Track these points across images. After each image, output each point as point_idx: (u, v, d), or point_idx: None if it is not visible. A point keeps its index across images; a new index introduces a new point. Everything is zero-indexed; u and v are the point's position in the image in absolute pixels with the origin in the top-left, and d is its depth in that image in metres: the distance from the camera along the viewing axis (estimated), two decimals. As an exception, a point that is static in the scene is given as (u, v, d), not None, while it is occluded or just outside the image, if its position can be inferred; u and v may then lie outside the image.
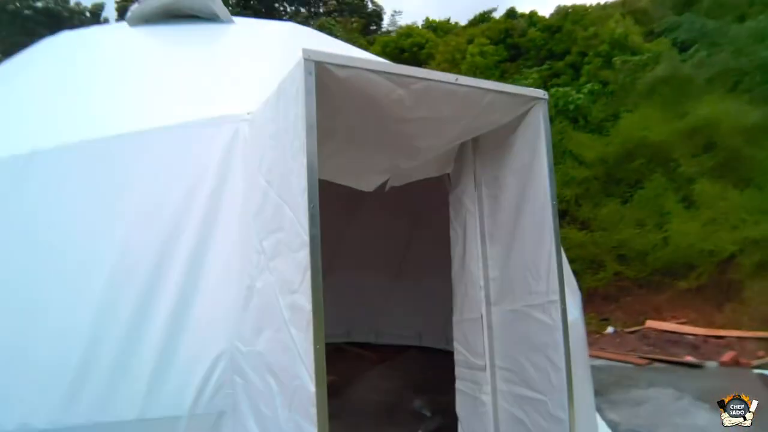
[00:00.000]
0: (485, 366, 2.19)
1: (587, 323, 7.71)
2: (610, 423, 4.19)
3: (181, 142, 2.06)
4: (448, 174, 2.43)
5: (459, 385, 2.36)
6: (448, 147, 2.26)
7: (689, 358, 5.95)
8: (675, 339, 6.64)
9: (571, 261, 8.79)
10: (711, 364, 5.60)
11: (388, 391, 5.15)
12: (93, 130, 2.11)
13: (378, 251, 6.14)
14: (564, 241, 9.65)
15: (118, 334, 1.76)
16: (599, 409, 4.51)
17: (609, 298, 8.28)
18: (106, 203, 1.97)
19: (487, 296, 2.20)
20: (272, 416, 1.61)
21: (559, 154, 9.76)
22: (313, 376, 1.44)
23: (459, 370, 2.35)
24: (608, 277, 8.43)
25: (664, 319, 7.25)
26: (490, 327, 2.19)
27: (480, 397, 2.23)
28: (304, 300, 1.48)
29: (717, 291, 7.53)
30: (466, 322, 2.27)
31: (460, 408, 2.37)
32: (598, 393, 4.95)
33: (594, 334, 7.27)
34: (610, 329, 7.26)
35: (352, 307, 7.05)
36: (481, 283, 2.20)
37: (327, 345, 5.58)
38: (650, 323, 7.10)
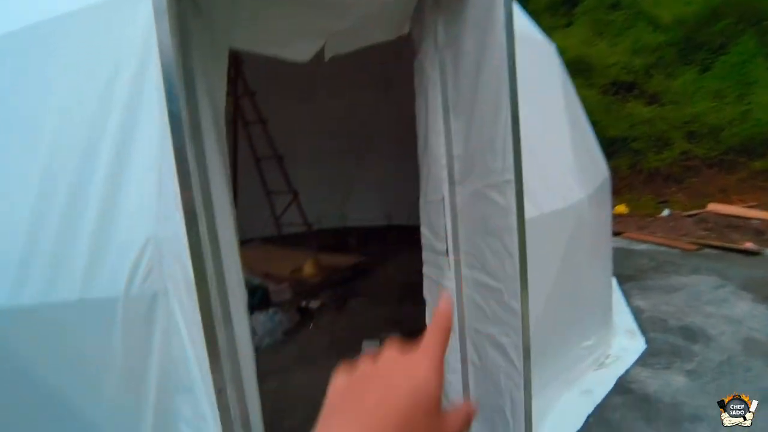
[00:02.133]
0: (446, 250, 2.01)
1: (642, 205, 7.21)
2: (634, 309, 3.96)
3: (99, 24, 1.86)
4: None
5: (425, 269, 2.22)
6: (393, 3, 1.88)
7: (749, 245, 5.41)
8: (738, 224, 6.03)
9: (633, 139, 8.11)
10: (770, 251, 5.07)
11: (415, 272, 5.18)
12: (20, 19, 1.96)
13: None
14: (629, 117, 8.84)
15: (55, 223, 1.80)
16: (628, 295, 4.27)
17: (672, 179, 7.57)
18: (36, 96, 1.89)
19: (451, 176, 1.94)
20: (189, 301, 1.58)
21: (632, 15, 8.46)
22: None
23: (425, 255, 2.19)
24: (674, 156, 7.64)
25: (730, 203, 6.56)
26: (453, 209, 1.96)
27: (443, 283, 2.08)
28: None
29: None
30: (430, 204, 2.05)
31: (426, 292, 2.25)
32: (632, 278, 4.68)
33: (647, 217, 6.77)
34: (665, 212, 6.71)
35: (390, 191, 6.99)
36: (444, 161, 1.93)
37: (366, 228, 5.60)
38: (712, 206, 6.46)
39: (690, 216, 6.45)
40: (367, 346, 3.68)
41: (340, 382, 0.46)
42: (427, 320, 2.29)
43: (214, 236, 1.67)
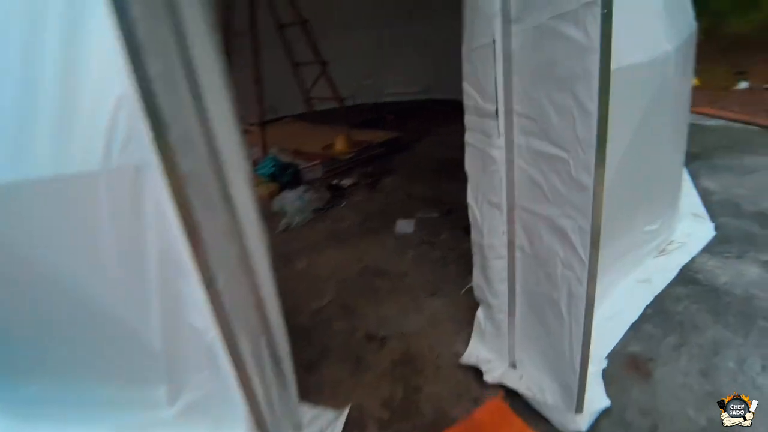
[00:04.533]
0: (495, 111, 1.55)
1: (718, 78, 6.25)
2: (703, 192, 3.44)
3: None
4: None
5: (467, 136, 1.77)
6: None
7: (841, 121, 4.61)
8: (830, 98, 5.14)
9: (717, -4, 6.82)
10: None
11: (457, 148, 4.72)
12: None
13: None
14: (710, -28, 7.32)
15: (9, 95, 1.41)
16: (695, 176, 3.72)
17: (754, 47, 6.47)
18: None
19: (505, 9, 1.41)
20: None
21: None
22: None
23: (467, 119, 1.73)
24: (761, 20, 6.46)
25: (823, 74, 5.57)
26: (508, 56, 1.46)
27: (490, 153, 1.65)
28: None
29: None
30: (476, 52, 1.55)
31: (469, 165, 1.83)
32: (699, 156, 4.07)
33: (720, 90, 5.89)
34: (743, 84, 5.80)
35: (430, 61, 6.28)
36: (499, -13, 1.40)
37: (403, 103, 5.11)
38: (801, 78, 5.51)
39: (771, 89, 5.55)
40: (402, 225, 3.39)
41: None
42: (468, 197, 1.91)
43: (198, 94, 1.26)
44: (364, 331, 2.43)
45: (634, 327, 2.27)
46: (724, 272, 2.59)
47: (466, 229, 3.33)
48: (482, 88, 1.58)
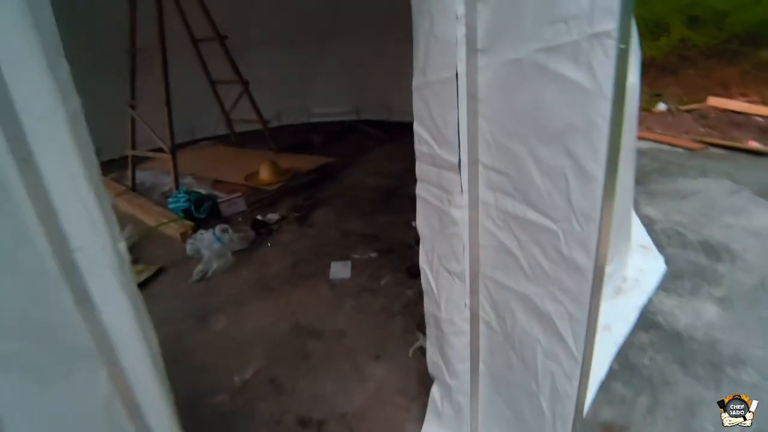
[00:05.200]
0: (458, 163, 1.21)
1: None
2: (645, 219, 3.34)
3: None
4: None
5: (421, 190, 1.42)
6: None
7: (753, 144, 4.80)
8: (740, 121, 5.38)
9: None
10: (782, 151, 4.46)
11: (390, 174, 4.42)
12: None
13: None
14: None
15: None
16: (635, 202, 3.62)
17: (668, 69, 6.74)
18: None
19: (471, 36, 1.09)
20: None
21: None
22: None
23: (421, 168, 1.39)
24: (672, 44, 6.76)
25: (731, 97, 5.85)
26: (473, 94, 1.14)
27: (450, 213, 1.31)
28: None
29: (806, 65, 5.90)
30: (434, 87, 1.22)
31: (421, 223, 1.47)
32: (637, 181, 4.01)
33: (642, 111, 6.03)
34: (662, 105, 5.98)
35: (360, 81, 5.96)
36: (460, 9, 1.07)
37: (334, 123, 4.65)
38: (712, 101, 5.76)
39: (688, 111, 5.75)
40: (337, 268, 2.99)
41: None
42: (421, 260, 1.55)
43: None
44: (295, 414, 1.99)
45: (603, 386, 2.02)
46: (682, 312, 2.43)
47: (409, 270, 3.02)
48: (440, 132, 1.24)
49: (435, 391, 1.78)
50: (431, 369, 1.75)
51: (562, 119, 0.94)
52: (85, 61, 4.64)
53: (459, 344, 1.52)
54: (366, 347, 2.33)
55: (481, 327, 1.46)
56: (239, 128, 5.46)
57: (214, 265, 3.06)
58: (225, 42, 4.66)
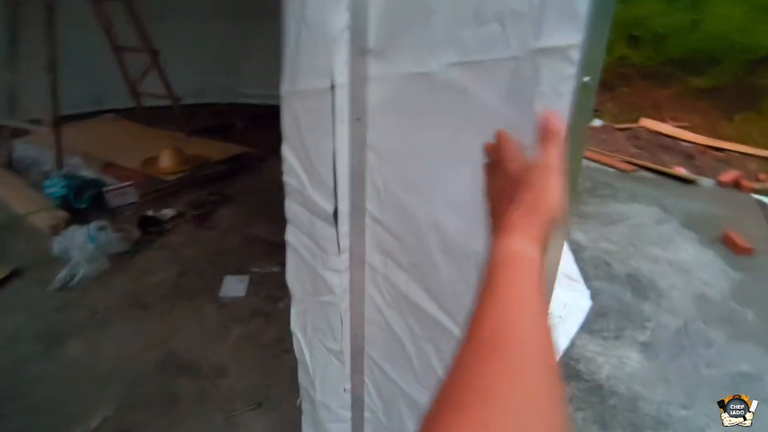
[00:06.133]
0: (334, 214, 0.83)
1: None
2: (574, 245, 3.14)
3: None
4: None
5: (290, 236, 1.03)
6: None
7: (680, 170, 4.79)
8: (669, 144, 5.40)
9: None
10: (707, 181, 4.45)
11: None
12: None
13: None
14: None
15: None
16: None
17: (606, 86, 6.72)
18: None
19: (358, 28, 0.70)
20: None
21: None
22: None
23: (289, 206, 0.99)
24: (611, 62, 6.74)
25: (662, 120, 5.89)
26: (358, 116, 0.76)
27: (323, 276, 0.93)
28: None
29: (734, 96, 6.02)
30: (303, 99, 0.82)
31: (291, 278, 1.08)
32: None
33: (577, 127, 5.95)
34: (597, 122, 5.93)
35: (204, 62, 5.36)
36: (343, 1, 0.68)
37: (262, 106, 3.87)
38: (645, 122, 5.76)
39: (622, 130, 5.72)
40: (231, 284, 2.55)
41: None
42: (292, 324, 1.16)
43: None
44: (140, 486, 1.56)
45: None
46: (605, 360, 2.21)
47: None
48: (311, 165, 0.85)
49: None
50: (307, 448, 1.37)
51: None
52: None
53: (336, 431, 1.15)
54: (247, 391, 1.92)
55: (367, 414, 1.10)
56: (150, 103, 4.80)
57: (82, 271, 2.52)
58: (133, 5, 4.00)
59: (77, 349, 2.12)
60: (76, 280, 2.49)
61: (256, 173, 3.96)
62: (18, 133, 3.87)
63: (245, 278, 2.56)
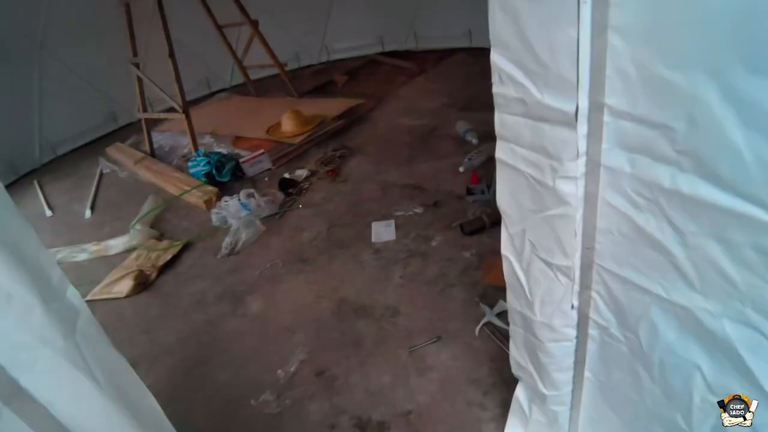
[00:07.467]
0: (576, 112, 0.75)
1: None
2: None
3: None
4: None
5: (502, 153, 0.95)
6: None
7: None
8: None
9: None
10: None
11: (426, 112, 3.89)
12: None
13: None
14: None
15: None
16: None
17: None
18: None
19: None
20: None
21: None
22: None
23: (501, 118, 0.91)
24: None
25: None
26: (599, -2, 0.66)
27: (555, 187, 0.86)
28: None
29: None
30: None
31: (503, 197, 1.02)
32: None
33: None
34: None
35: (383, 9, 5.26)
36: None
37: (356, 59, 4.01)
38: None
39: None
40: (380, 230, 2.61)
41: None
42: (503, 247, 1.12)
43: None
44: (350, 416, 1.69)
45: None
46: None
47: (463, 227, 2.58)
48: (540, 63, 0.77)
49: (521, 393, 1.42)
50: (515, 370, 1.37)
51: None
52: (84, 22, 4.21)
53: (560, 353, 1.12)
54: (424, 327, 1.97)
55: (592, 332, 1.05)
56: (255, 75, 4.97)
57: (243, 236, 2.72)
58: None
59: (258, 305, 2.31)
60: (239, 245, 2.71)
61: (371, 123, 3.97)
62: (152, 124, 4.22)
63: (391, 222, 2.61)
